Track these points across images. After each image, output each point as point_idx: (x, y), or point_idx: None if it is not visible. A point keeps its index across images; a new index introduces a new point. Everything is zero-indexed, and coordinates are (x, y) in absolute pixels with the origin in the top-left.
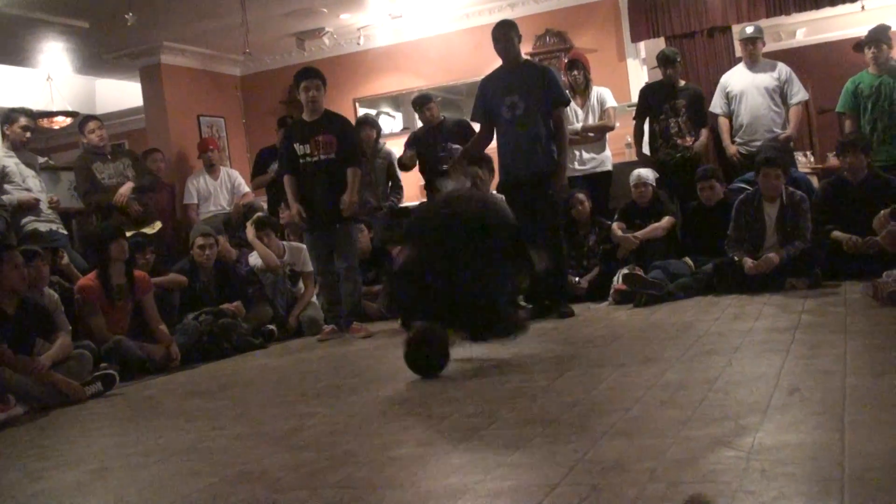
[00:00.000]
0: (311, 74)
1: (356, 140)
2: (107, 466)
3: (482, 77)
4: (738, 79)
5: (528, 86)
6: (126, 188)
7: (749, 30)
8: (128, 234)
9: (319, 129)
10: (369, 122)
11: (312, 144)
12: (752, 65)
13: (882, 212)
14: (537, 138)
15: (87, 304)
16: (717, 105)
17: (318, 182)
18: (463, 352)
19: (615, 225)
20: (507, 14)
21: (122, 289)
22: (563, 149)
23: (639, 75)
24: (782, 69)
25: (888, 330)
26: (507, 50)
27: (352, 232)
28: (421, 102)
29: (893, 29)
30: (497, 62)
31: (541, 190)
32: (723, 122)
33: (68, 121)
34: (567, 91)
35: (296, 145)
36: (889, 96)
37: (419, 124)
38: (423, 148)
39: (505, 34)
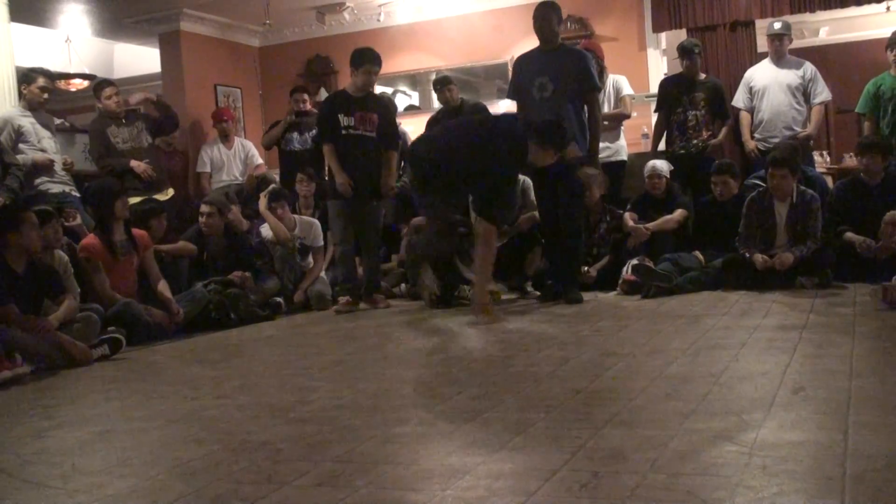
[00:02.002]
0: (377, 61)
1: (395, 122)
2: (110, 429)
3: (500, 60)
4: (762, 74)
5: (560, 69)
6: (145, 165)
7: (777, 25)
8: (140, 199)
9: (365, 105)
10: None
11: (357, 118)
12: (778, 61)
13: (889, 213)
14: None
15: (91, 262)
16: (739, 99)
17: (355, 155)
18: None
19: (627, 214)
20: None
21: (123, 244)
22: (594, 133)
23: (659, 66)
24: (808, 68)
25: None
26: (543, 30)
27: (381, 209)
28: (442, 83)
29: None
30: (518, 45)
31: (566, 175)
32: (744, 117)
33: (85, 83)
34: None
35: (340, 115)
36: None
37: (435, 104)
38: None
39: (544, 14)
